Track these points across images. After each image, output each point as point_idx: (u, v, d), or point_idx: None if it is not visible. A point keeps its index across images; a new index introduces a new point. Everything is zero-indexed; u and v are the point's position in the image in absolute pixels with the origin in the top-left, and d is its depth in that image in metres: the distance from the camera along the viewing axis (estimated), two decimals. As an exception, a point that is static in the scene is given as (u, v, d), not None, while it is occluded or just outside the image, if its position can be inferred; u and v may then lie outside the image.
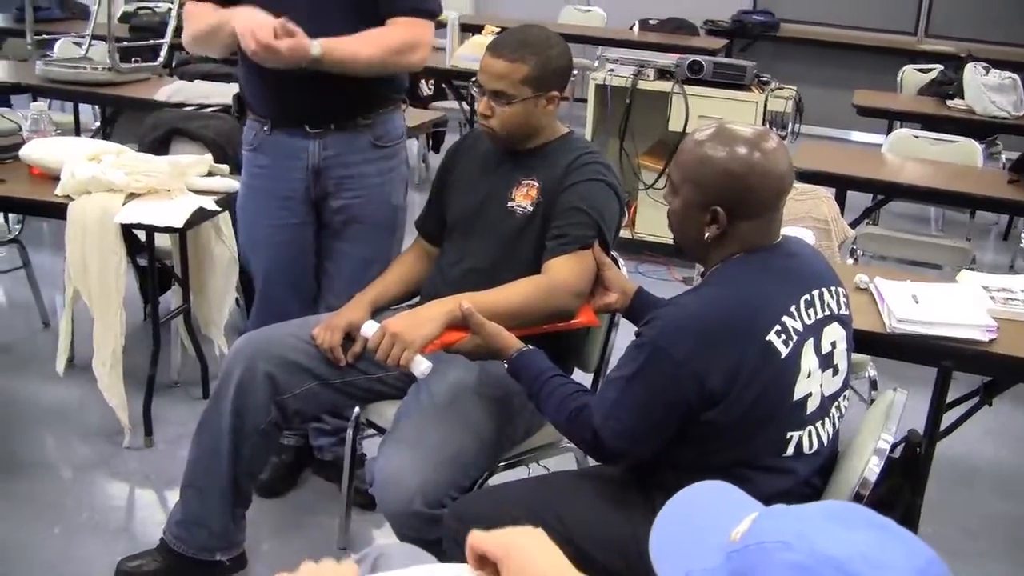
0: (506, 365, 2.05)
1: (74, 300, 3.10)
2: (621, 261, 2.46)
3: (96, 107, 5.58)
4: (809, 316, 1.81)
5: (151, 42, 4.98)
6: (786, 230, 1.98)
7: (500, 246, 2.36)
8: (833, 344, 1.86)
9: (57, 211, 3.03)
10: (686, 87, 4.93)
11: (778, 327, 1.75)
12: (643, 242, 5.14)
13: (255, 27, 2.32)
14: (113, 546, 2.70)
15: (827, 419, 1.86)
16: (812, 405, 1.81)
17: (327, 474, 3.04)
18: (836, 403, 1.89)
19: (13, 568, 2.65)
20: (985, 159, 4.55)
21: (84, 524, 2.84)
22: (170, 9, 4.98)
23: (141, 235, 3.06)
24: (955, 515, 3.15)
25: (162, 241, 3.28)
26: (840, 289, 1.92)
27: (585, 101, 5.33)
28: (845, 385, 1.92)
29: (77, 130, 5.36)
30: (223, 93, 4.20)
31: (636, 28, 7.90)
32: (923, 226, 5.74)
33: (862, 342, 2.35)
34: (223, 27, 2.48)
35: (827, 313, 1.85)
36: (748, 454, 1.79)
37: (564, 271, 2.24)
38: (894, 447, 2.60)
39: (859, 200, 4.41)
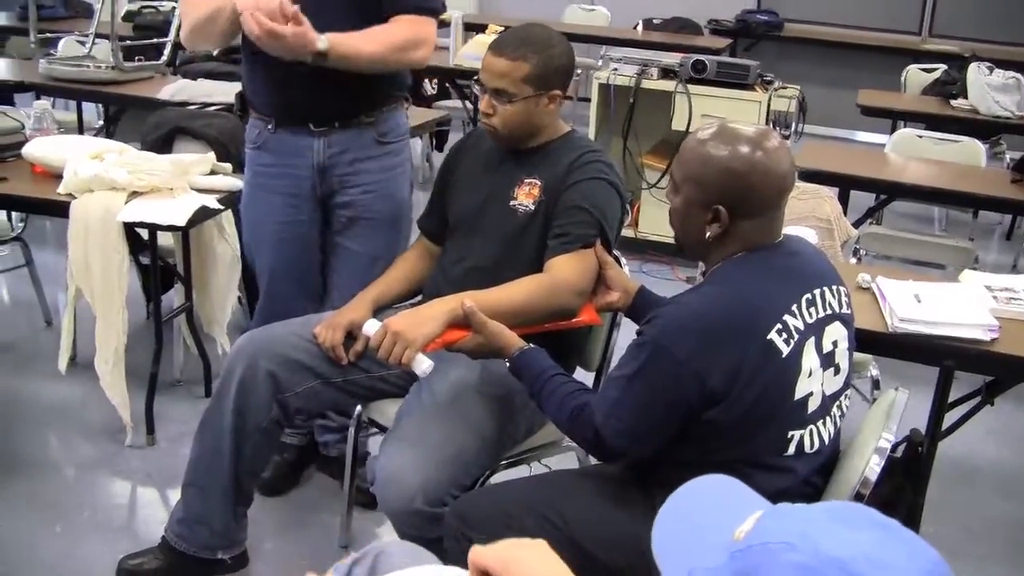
0: (508, 364, 2.05)
1: (76, 298, 3.10)
2: (623, 260, 2.46)
3: (99, 105, 5.58)
4: (810, 315, 1.81)
5: (154, 41, 4.99)
6: (788, 229, 1.98)
7: (502, 245, 2.36)
8: (834, 343, 1.86)
9: (60, 209, 3.03)
10: (689, 86, 4.92)
11: (779, 326, 1.75)
12: (647, 241, 5.14)
13: (259, 2, 2.30)
14: (115, 544, 2.70)
15: (828, 418, 1.86)
16: (813, 404, 1.81)
17: (331, 470, 3.04)
18: (837, 402, 1.89)
19: (15, 566, 2.65)
20: (989, 159, 4.54)
21: (86, 522, 2.85)
22: (174, 8, 4.98)
23: (144, 233, 3.07)
24: (957, 515, 3.14)
25: (165, 239, 3.29)
26: (842, 288, 1.92)
27: (589, 100, 5.32)
28: (846, 384, 1.92)
29: (80, 128, 5.36)
30: (226, 92, 4.20)
31: (640, 27, 7.90)
32: (927, 226, 5.73)
33: (864, 341, 2.34)
34: (222, 12, 2.45)
35: (828, 312, 1.85)
36: (749, 453, 1.78)
37: (566, 270, 2.24)
38: (896, 447, 2.60)
39: (863, 200, 4.41)
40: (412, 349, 2.06)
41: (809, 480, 1.87)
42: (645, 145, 5.23)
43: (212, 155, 3.30)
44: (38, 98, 4.71)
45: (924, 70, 6.08)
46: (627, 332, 2.08)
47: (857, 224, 4.04)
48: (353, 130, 2.66)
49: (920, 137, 4.51)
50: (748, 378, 1.73)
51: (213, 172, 3.24)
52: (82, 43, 5.01)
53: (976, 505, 3.25)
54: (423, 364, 2.08)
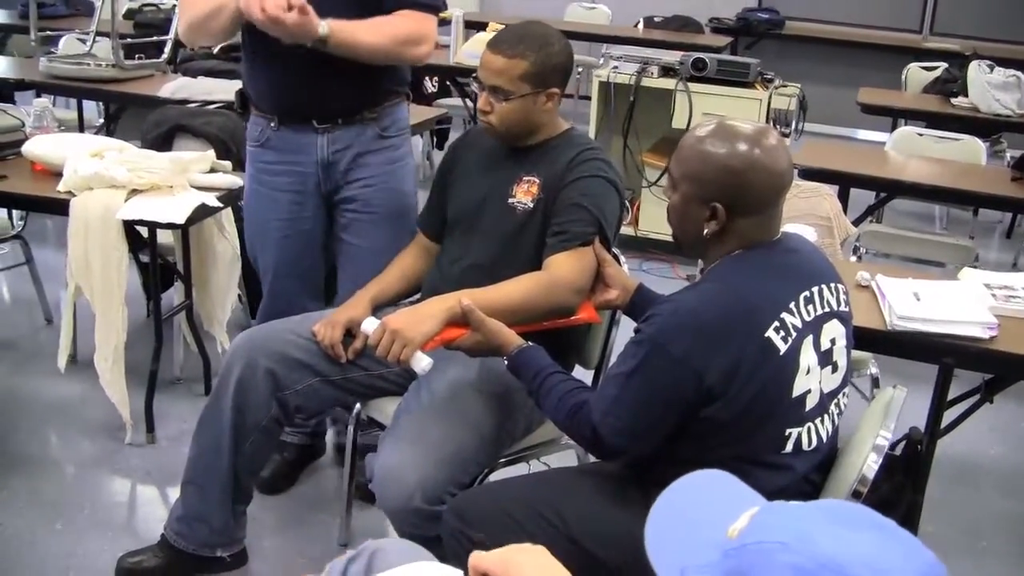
0: (506, 362, 2.05)
1: (76, 296, 3.10)
2: (623, 258, 2.46)
3: (100, 103, 5.58)
4: (808, 313, 1.81)
5: (155, 39, 4.99)
6: (787, 227, 1.98)
7: (501, 243, 2.36)
8: (832, 341, 1.86)
9: (59, 207, 3.03)
10: (690, 84, 4.92)
11: (777, 324, 1.75)
12: (647, 239, 5.14)
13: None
14: (115, 542, 2.71)
15: (826, 416, 1.86)
16: (811, 402, 1.81)
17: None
18: (835, 400, 1.89)
19: (15, 564, 2.65)
20: (989, 157, 4.54)
21: (86, 520, 2.85)
22: (175, 6, 4.98)
23: (143, 231, 3.07)
24: (957, 513, 3.14)
25: (165, 237, 3.29)
26: (840, 286, 1.92)
27: (589, 98, 5.32)
28: (845, 382, 1.92)
29: (81, 126, 5.37)
30: (226, 89, 4.20)
31: (641, 25, 7.89)
32: (928, 224, 5.73)
33: (863, 339, 2.35)
34: (223, 9, 2.46)
35: (826, 310, 1.85)
36: (747, 450, 1.78)
37: (565, 267, 2.24)
38: (895, 445, 2.60)
39: (863, 198, 4.40)
40: (411, 347, 2.06)
41: (808, 478, 1.87)
42: (645, 143, 5.22)
43: (212, 153, 3.30)
44: (38, 96, 4.70)
45: (925, 68, 6.08)
46: (626, 330, 2.08)
47: (857, 222, 4.04)
48: (356, 126, 2.67)
49: (921, 135, 4.51)
50: (746, 376, 1.73)
51: (213, 170, 3.24)
52: (83, 41, 5.00)
53: (976, 503, 3.25)
54: (422, 362, 2.08)
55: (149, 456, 3.17)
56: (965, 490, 3.30)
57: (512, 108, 2.27)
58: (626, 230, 4.88)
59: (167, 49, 4.86)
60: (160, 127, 3.71)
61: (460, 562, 1.18)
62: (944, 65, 5.88)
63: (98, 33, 4.81)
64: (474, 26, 6.42)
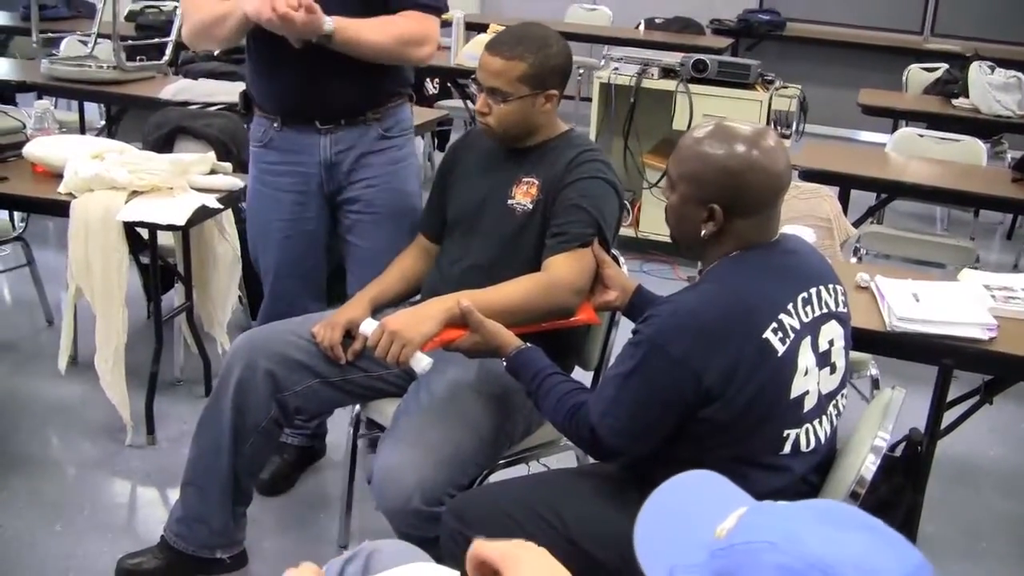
0: (504, 363, 2.05)
1: (76, 298, 3.10)
2: (622, 259, 2.46)
3: (101, 105, 5.59)
4: (807, 314, 1.81)
5: (156, 40, 5.00)
6: (787, 228, 1.98)
7: (500, 244, 2.36)
8: (831, 342, 1.86)
9: (60, 209, 3.04)
10: (690, 86, 4.92)
11: (775, 325, 1.75)
12: (648, 241, 5.14)
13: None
14: (115, 543, 2.71)
15: (824, 417, 1.86)
16: (809, 403, 1.81)
17: None
18: (834, 401, 1.89)
19: (15, 565, 2.66)
20: (990, 158, 4.54)
21: (86, 521, 2.85)
22: (176, 7, 4.99)
23: (144, 233, 3.07)
24: (957, 514, 3.14)
25: (165, 239, 3.30)
26: (838, 287, 1.92)
27: (590, 100, 5.32)
28: (843, 383, 1.92)
29: (82, 128, 5.38)
30: (227, 91, 4.22)
31: (642, 27, 7.89)
32: (929, 225, 5.73)
33: (862, 340, 2.35)
34: (229, 17, 2.47)
35: (825, 311, 1.85)
36: (745, 451, 1.79)
37: (564, 269, 2.24)
38: (895, 446, 2.60)
39: (864, 199, 4.40)
40: (409, 348, 2.06)
41: (806, 479, 1.87)
42: (646, 144, 5.23)
43: (212, 154, 3.30)
44: (40, 98, 4.71)
45: (926, 69, 6.07)
46: (625, 331, 2.07)
47: (858, 223, 4.04)
48: (359, 127, 2.67)
49: (921, 136, 4.50)
50: (744, 377, 1.73)
51: (213, 171, 3.24)
52: (84, 43, 5.02)
53: (976, 504, 3.24)
54: (422, 362, 2.09)
55: (149, 457, 3.18)
56: (965, 491, 3.30)
57: (510, 110, 2.28)
58: (627, 231, 4.88)
59: (168, 51, 4.86)
60: (161, 129, 3.72)
61: (458, 563, 1.18)
62: (945, 66, 5.88)
63: (99, 35, 4.82)
64: (475, 27, 6.43)
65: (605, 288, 2.30)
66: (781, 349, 1.75)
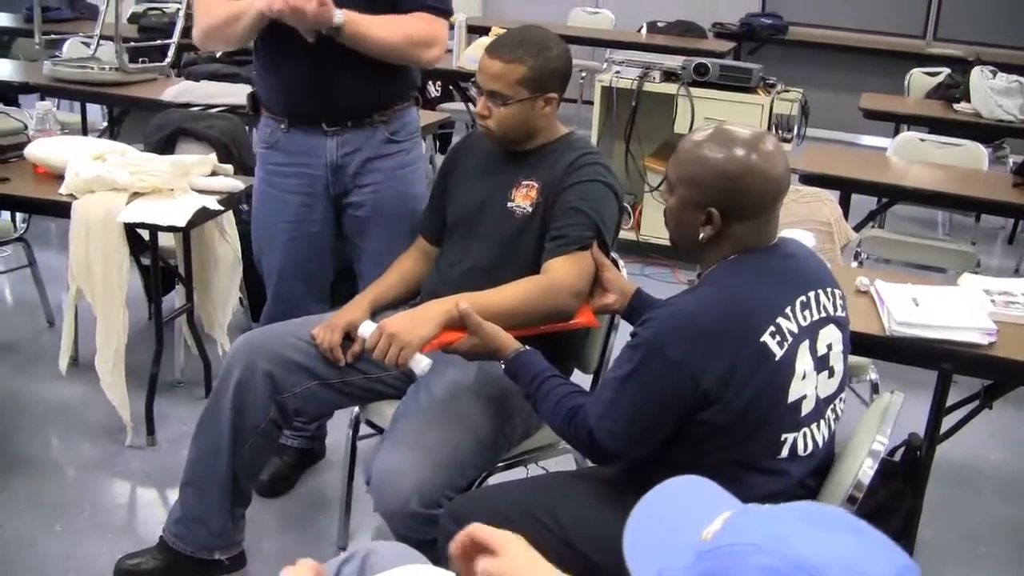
0: (503, 365, 2.05)
1: (77, 299, 3.11)
2: (622, 262, 2.46)
3: (104, 107, 5.60)
4: (805, 318, 1.81)
5: (158, 42, 5.01)
6: (786, 232, 1.98)
7: (500, 246, 2.36)
8: (829, 346, 1.86)
9: (61, 210, 3.05)
10: (692, 89, 4.93)
11: (773, 328, 1.75)
12: (648, 244, 5.14)
13: None
14: (114, 544, 2.71)
15: (822, 421, 1.86)
16: (807, 407, 1.81)
17: None
18: (832, 405, 1.89)
19: (14, 566, 2.66)
20: (991, 163, 4.53)
21: (86, 522, 2.85)
22: (179, 10, 5.00)
23: (144, 234, 3.08)
24: (956, 519, 3.14)
25: (166, 240, 3.30)
26: (837, 291, 1.92)
27: (592, 103, 5.32)
28: (841, 387, 1.92)
29: (85, 130, 5.39)
30: (229, 93, 4.23)
31: (644, 31, 7.89)
32: (930, 230, 5.73)
33: (862, 345, 2.34)
34: (242, 17, 2.48)
35: (823, 315, 1.85)
36: (743, 455, 1.79)
37: (563, 271, 2.24)
38: (895, 450, 2.60)
39: (865, 203, 4.40)
40: (407, 351, 2.07)
41: (803, 483, 1.86)
42: (647, 148, 5.23)
43: (213, 156, 3.31)
44: (43, 99, 4.73)
45: (927, 74, 6.07)
46: (624, 335, 2.08)
47: (859, 227, 4.03)
48: (366, 129, 2.68)
49: (923, 141, 4.50)
50: (742, 380, 1.73)
51: (215, 173, 3.25)
52: (87, 44, 5.03)
53: (976, 509, 3.24)
54: (422, 363, 2.09)
55: (149, 458, 3.18)
56: (964, 496, 3.30)
57: (510, 113, 2.28)
58: (628, 235, 4.89)
59: (171, 53, 4.87)
60: (163, 130, 3.73)
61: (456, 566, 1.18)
62: (947, 71, 5.88)
63: (102, 37, 4.83)
64: (477, 30, 6.43)
65: (604, 291, 2.30)
66: (779, 353, 1.75)
